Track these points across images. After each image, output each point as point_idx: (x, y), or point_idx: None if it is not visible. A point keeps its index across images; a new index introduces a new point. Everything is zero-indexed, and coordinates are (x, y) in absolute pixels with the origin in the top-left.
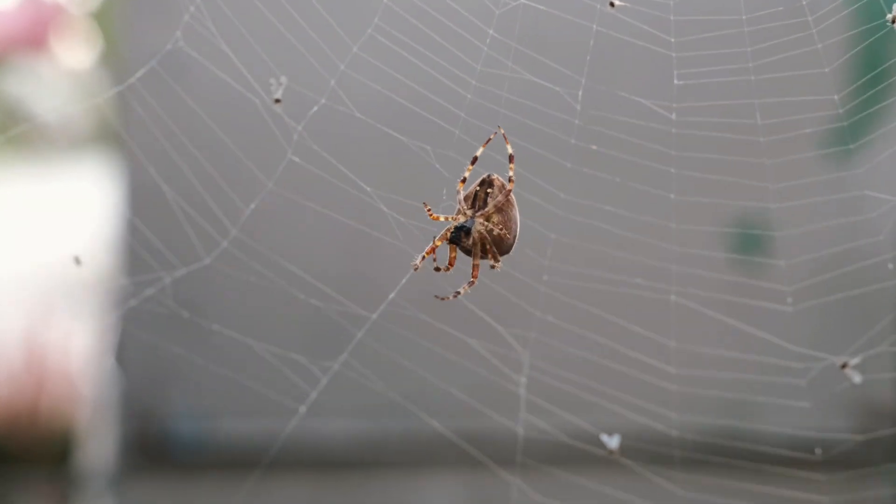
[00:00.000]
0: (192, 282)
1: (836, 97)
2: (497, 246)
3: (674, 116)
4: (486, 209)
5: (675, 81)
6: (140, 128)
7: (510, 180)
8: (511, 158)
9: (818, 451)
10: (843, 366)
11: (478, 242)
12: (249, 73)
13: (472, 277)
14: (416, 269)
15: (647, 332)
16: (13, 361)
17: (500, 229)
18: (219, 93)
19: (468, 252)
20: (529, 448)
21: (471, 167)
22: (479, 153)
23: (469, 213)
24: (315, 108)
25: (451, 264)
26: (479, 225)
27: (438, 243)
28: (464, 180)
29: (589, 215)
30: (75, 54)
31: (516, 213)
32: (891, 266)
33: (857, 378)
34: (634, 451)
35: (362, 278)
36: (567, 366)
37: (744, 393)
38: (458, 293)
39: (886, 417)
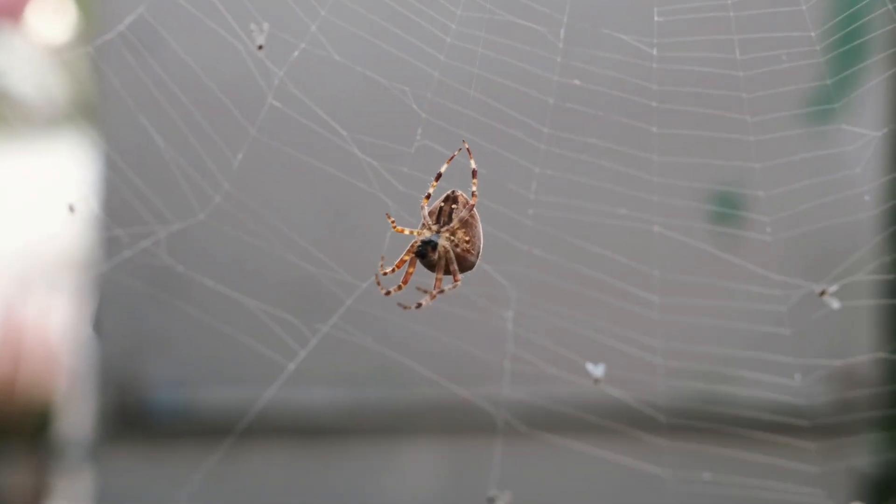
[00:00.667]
0: (171, 248)
1: (812, 34)
2: (460, 262)
3: (655, 52)
4: (452, 224)
5: (656, 18)
6: (118, 95)
7: (473, 195)
8: (474, 174)
9: (797, 376)
10: (822, 293)
11: (442, 257)
12: (232, 20)
13: (434, 289)
14: (384, 274)
15: (631, 262)
16: None
17: (466, 243)
18: (199, 45)
19: (431, 267)
20: (516, 380)
21: (435, 183)
22: (443, 170)
23: (434, 227)
24: (296, 53)
25: (405, 281)
26: (444, 240)
27: (406, 258)
28: (428, 196)
29: (572, 149)
30: (52, 28)
31: (480, 230)
32: (867, 198)
33: (835, 304)
34: (618, 382)
35: (344, 228)
36: (553, 298)
37: (725, 320)
38: (420, 304)
39: (863, 385)
